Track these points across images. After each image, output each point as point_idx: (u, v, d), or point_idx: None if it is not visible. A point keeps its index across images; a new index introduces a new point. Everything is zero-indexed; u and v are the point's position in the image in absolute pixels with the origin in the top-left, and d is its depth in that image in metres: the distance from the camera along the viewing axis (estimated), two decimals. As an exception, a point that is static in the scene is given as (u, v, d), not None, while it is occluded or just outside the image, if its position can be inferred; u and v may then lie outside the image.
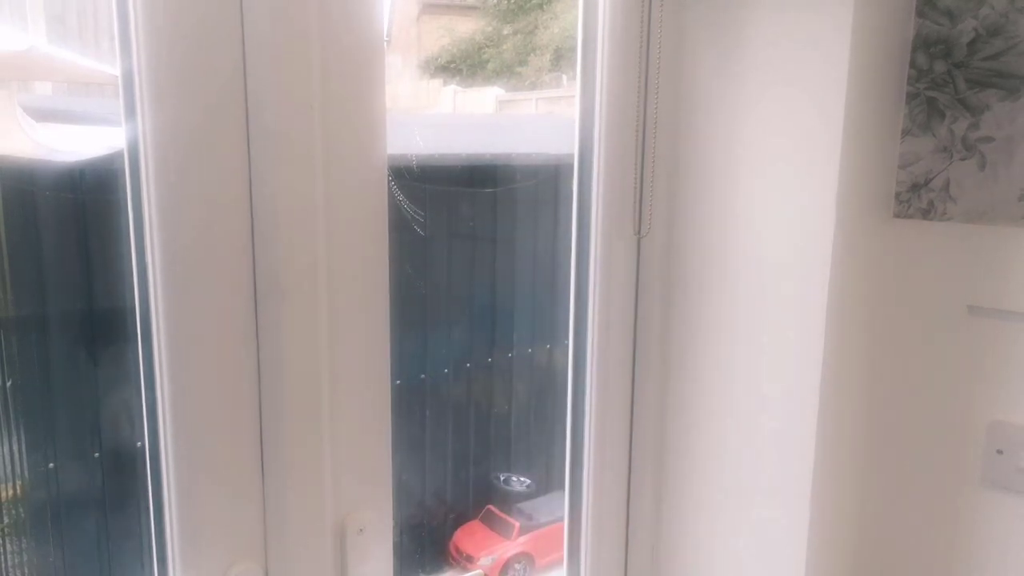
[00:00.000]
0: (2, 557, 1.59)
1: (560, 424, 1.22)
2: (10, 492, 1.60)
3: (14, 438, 1.55)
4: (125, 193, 0.74)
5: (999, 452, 1.00)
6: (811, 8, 0.97)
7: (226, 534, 0.80)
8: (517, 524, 2.94)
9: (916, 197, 1.02)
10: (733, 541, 1.14)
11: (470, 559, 2.82)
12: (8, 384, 1.50)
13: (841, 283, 1.01)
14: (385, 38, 0.83)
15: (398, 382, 0.91)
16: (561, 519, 1.23)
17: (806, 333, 1.01)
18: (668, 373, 1.17)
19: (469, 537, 2.90)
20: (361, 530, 0.88)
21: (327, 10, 0.77)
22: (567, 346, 1.18)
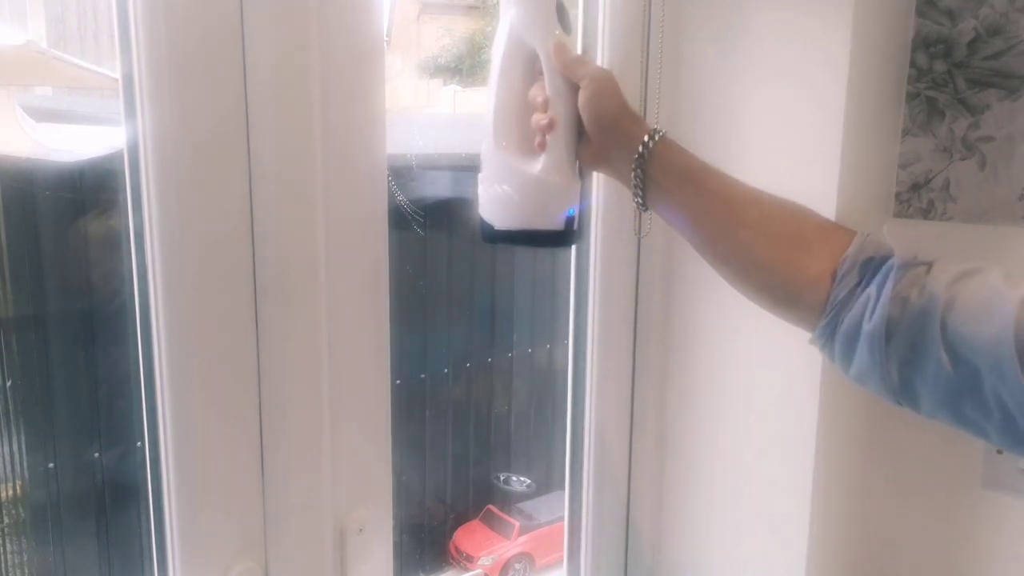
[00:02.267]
0: (2, 557, 1.59)
1: (560, 424, 1.22)
2: (10, 492, 1.60)
3: (14, 438, 1.55)
4: (125, 193, 0.74)
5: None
6: (811, 8, 0.97)
7: (226, 534, 0.80)
8: (517, 524, 2.94)
9: (916, 197, 1.02)
10: (733, 540, 1.14)
11: (470, 559, 2.82)
12: (8, 384, 1.50)
13: (841, 283, 1.00)
14: (385, 38, 0.83)
15: (398, 382, 0.91)
16: (561, 519, 1.23)
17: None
18: (668, 373, 1.17)
19: (469, 537, 2.90)
20: (361, 530, 0.88)
21: (327, 10, 0.77)
22: (567, 346, 1.18)
